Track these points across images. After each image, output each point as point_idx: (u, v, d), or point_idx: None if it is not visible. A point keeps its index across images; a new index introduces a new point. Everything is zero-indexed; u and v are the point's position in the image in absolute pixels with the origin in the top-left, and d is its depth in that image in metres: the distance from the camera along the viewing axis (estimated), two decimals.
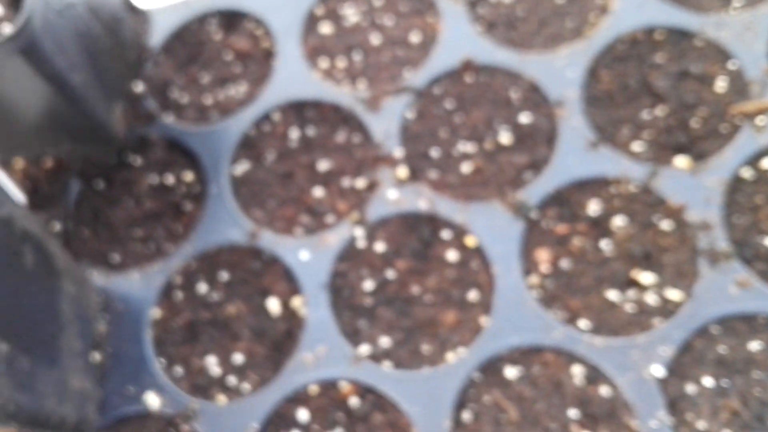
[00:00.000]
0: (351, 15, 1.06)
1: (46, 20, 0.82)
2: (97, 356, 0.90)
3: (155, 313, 0.93)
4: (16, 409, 0.71)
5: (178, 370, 0.90)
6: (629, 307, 0.85)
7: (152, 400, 0.88)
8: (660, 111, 0.94)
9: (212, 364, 0.90)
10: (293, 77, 1.03)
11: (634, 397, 0.81)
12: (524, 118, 0.96)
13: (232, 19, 1.10)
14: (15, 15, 0.84)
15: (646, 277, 0.86)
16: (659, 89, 0.95)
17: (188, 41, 1.10)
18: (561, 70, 0.97)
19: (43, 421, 0.75)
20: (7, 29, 0.83)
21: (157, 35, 1.10)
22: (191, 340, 0.92)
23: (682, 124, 0.93)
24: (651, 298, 0.85)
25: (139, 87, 1.06)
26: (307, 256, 0.92)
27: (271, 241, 0.94)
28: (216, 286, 0.94)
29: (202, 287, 0.94)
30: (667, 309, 0.84)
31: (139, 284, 0.94)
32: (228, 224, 0.96)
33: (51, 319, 0.81)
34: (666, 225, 0.88)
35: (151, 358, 0.90)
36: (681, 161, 0.91)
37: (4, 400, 0.70)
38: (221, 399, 0.87)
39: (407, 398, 0.84)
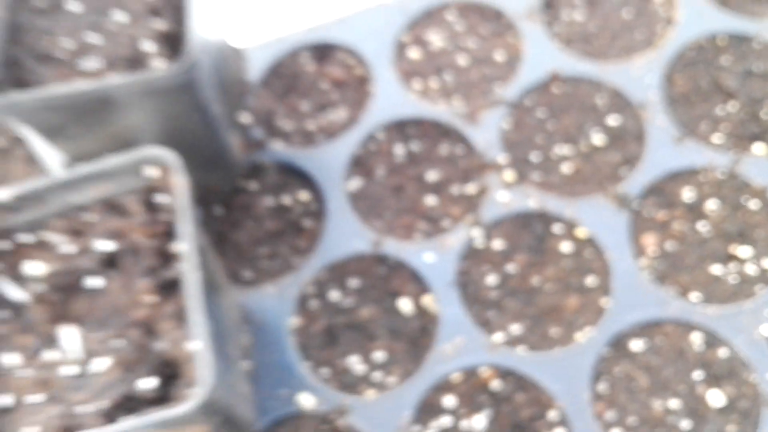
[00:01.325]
0: (436, 41, 1.17)
1: (201, 53, 0.90)
2: (246, 365, 0.97)
3: (293, 321, 1.00)
4: (233, 412, 0.78)
5: (324, 371, 0.97)
6: (732, 278, 0.96)
7: (305, 400, 0.95)
8: (731, 107, 1.05)
9: (355, 363, 0.97)
10: (391, 99, 1.12)
11: (750, 356, 0.91)
12: (612, 120, 1.07)
13: (323, 51, 1.19)
14: (167, 51, 0.92)
15: (743, 251, 0.96)
16: (729, 88, 1.06)
17: (283, 74, 1.18)
18: (639, 77, 1.08)
19: (239, 422, 0.82)
20: (159, 63, 0.92)
21: (254, 70, 1.18)
22: (331, 343, 0.99)
23: (754, 116, 1.04)
24: (750, 269, 0.96)
25: (245, 118, 1.14)
26: (432, 258, 1.01)
27: (394, 247, 1.02)
28: (347, 292, 1.01)
29: (335, 295, 1.01)
30: (766, 276, 0.95)
31: (274, 297, 1.02)
32: (351, 236, 1.04)
33: (223, 330, 0.88)
34: (753, 204, 0.99)
35: (297, 363, 0.97)
36: (758, 148, 1.02)
37: (228, 404, 0.77)
38: (370, 393, 0.95)
39: (547, 376, 0.92)
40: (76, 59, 0.94)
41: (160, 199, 0.80)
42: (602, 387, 0.91)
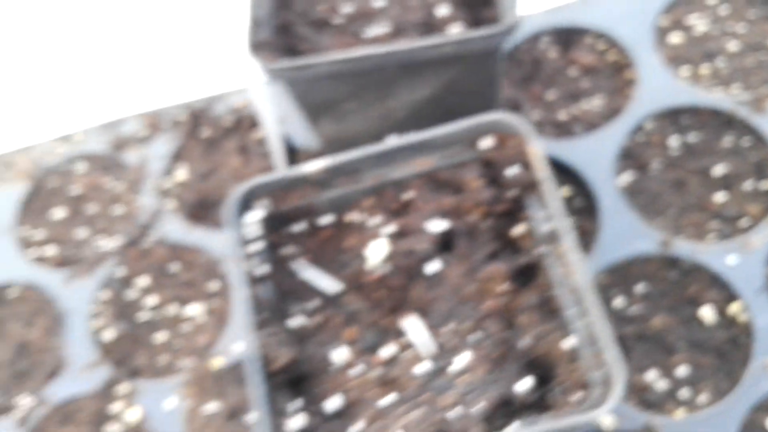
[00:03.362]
0: (699, 25, 1.05)
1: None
2: None
3: None
4: None
5: None
6: None
7: (605, 419, 0.82)
8: None
9: (655, 379, 0.84)
10: (659, 86, 1.01)
11: None
12: None
13: (568, 36, 1.08)
14: (463, 15, 0.82)
15: None
16: None
17: (522, 60, 1.08)
18: None
19: None
20: (455, 29, 0.81)
21: None
22: (624, 356, 0.86)
23: None
24: None
25: None
26: (735, 260, 0.88)
27: (687, 249, 0.90)
28: (634, 299, 0.89)
29: (619, 301, 0.89)
30: None
31: None
32: (631, 236, 0.92)
33: None
34: None
35: None
36: None
37: None
38: (679, 413, 0.82)
39: None
40: (358, 25, 0.84)
41: (509, 172, 0.68)
42: None
